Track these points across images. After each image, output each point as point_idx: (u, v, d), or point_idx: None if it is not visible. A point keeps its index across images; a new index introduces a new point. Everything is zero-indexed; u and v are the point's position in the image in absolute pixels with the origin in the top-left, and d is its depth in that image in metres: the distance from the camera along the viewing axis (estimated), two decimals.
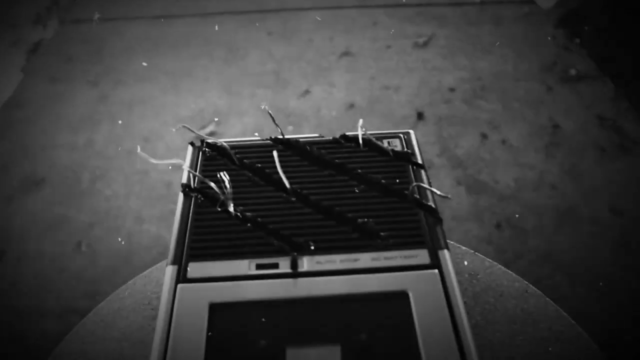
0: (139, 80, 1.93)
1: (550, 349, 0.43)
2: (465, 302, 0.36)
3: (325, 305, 0.36)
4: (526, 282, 0.48)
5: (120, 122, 1.72)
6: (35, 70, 1.98)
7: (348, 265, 0.38)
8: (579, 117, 1.75)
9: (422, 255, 0.39)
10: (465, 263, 0.49)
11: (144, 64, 1.89)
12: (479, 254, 0.51)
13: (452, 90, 1.87)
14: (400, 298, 0.36)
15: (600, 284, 1.23)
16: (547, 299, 0.47)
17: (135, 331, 0.46)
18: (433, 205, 0.43)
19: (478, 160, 1.62)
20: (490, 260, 0.50)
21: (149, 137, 1.73)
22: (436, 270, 0.38)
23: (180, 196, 0.44)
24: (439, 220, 0.42)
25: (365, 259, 0.39)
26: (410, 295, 0.36)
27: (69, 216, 1.50)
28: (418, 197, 0.43)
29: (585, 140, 1.67)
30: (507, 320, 0.45)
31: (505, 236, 1.41)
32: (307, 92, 1.81)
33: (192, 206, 0.43)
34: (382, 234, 0.40)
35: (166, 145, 1.70)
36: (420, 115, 1.72)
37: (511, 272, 0.49)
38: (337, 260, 0.39)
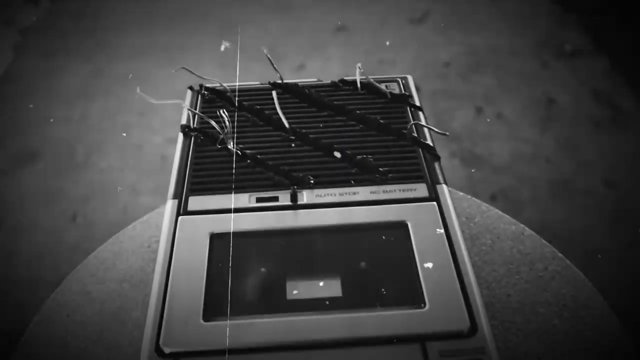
0: (134, 55, 1.91)
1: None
2: None
3: (325, 235, 0.37)
4: (522, 225, 0.49)
5: (115, 96, 1.71)
6: (28, 46, 1.97)
7: (347, 198, 0.39)
8: (573, 91, 1.75)
9: (420, 189, 0.39)
10: (466, 206, 0.50)
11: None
12: (475, 199, 0.51)
13: (447, 64, 1.87)
14: (399, 228, 0.37)
15: (599, 256, 1.23)
16: (544, 241, 0.48)
17: (136, 272, 0.46)
18: (431, 144, 0.43)
19: (473, 133, 1.62)
20: (487, 205, 0.50)
21: (144, 111, 1.72)
22: (434, 203, 0.38)
23: (180, 136, 0.44)
24: (437, 157, 0.42)
25: (364, 193, 0.39)
26: (409, 225, 0.37)
27: (64, 189, 1.50)
28: (416, 135, 0.43)
29: (580, 115, 1.68)
30: (504, 260, 0.46)
31: (499, 207, 1.42)
32: (301, 66, 1.80)
33: (191, 145, 0.43)
34: (380, 169, 0.40)
35: (161, 119, 1.69)
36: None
37: (508, 216, 0.49)
38: (336, 194, 0.39)
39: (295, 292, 0.34)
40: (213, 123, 0.43)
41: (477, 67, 1.86)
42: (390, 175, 0.40)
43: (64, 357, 0.41)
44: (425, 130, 0.44)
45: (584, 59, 1.88)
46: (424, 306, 0.33)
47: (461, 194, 0.51)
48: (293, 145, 0.42)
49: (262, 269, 0.35)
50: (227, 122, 0.42)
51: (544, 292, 0.44)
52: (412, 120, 0.45)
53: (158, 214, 0.50)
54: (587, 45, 1.93)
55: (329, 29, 2.00)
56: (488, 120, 1.49)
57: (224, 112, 0.42)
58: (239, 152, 0.42)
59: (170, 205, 0.39)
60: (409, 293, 0.33)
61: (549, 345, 0.41)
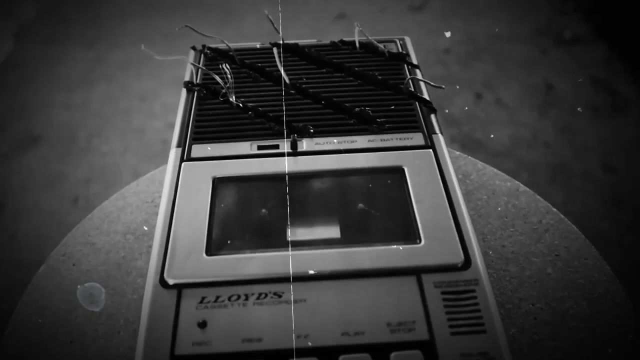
0: (135, 41, 1.92)
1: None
2: None
3: (324, 180, 0.38)
4: (517, 182, 0.50)
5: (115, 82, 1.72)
6: (30, 33, 1.98)
7: (346, 145, 0.40)
8: (572, 78, 1.76)
9: (416, 138, 0.40)
10: (464, 164, 0.51)
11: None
12: (471, 158, 0.52)
13: (446, 51, 1.87)
14: (396, 172, 0.38)
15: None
16: (538, 196, 0.49)
17: (139, 226, 0.47)
18: (427, 98, 0.44)
19: (472, 118, 1.63)
20: (482, 163, 0.51)
21: (145, 96, 1.73)
22: (430, 150, 0.39)
23: (183, 91, 0.46)
24: (433, 110, 0.43)
25: (362, 141, 0.40)
26: (406, 170, 0.38)
27: (66, 172, 1.51)
28: (413, 90, 0.44)
29: (579, 100, 1.68)
30: (499, 214, 0.47)
31: None
32: None
33: (194, 99, 0.44)
34: (378, 120, 0.42)
35: (162, 104, 1.70)
36: None
37: (503, 174, 0.50)
38: (335, 142, 0.40)
39: (294, 232, 0.35)
40: (215, 76, 0.44)
41: (477, 54, 1.86)
42: (387, 125, 0.41)
43: (70, 303, 0.42)
44: (422, 85, 0.45)
45: (583, 46, 1.88)
46: (420, 242, 0.34)
47: (457, 153, 0.52)
48: (293, 93, 0.43)
49: (263, 210, 0.36)
50: (229, 76, 0.43)
51: (538, 243, 0.45)
52: (408, 76, 0.46)
53: (161, 171, 0.51)
54: (586, 32, 1.94)
55: (329, 17, 2.01)
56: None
57: (226, 66, 0.43)
58: (240, 104, 0.43)
59: (174, 152, 0.40)
60: (406, 230, 0.34)
61: (542, 292, 0.42)
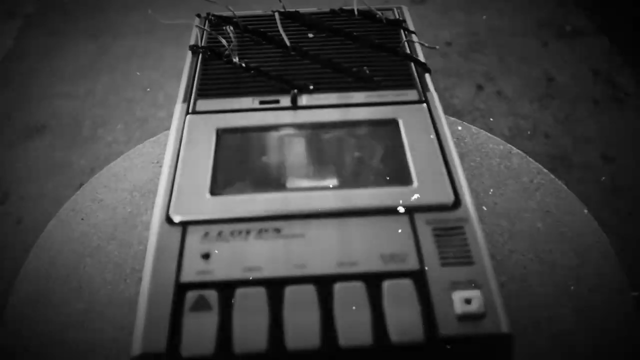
0: (138, 32, 1.94)
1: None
2: None
3: (322, 131, 0.40)
4: (510, 145, 0.51)
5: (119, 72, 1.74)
6: (34, 25, 2.00)
7: (343, 100, 0.42)
8: (573, 70, 1.77)
9: (411, 94, 0.42)
10: (459, 128, 0.53)
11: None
12: (466, 123, 0.54)
13: (448, 44, 1.89)
14: (391, 124, 0.40)
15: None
16: (530, 158, 0.50)
17: (145, 184, 0.49)
18: (423, 60, 0.46)
19: (473, 109, 1.64)
20: (476, 128, 0.53)
21: (149, 86, 1.74)
22: (424, 105, 0.41)
23: (189, 54, 0.47)
24: (428, 70, 0.45)
25: (359, 97, 0.42)
26: (400, 121, 0.40)
27: (70, 161, 1.53)
28: (409, 52, 0.46)
29: (579, 93, 1.70)
30: (492, 174, 0.49)
31: None
32: None
33: (199, 60, 0.46)
34: (375, 78, 0.43)
35: (165, 94, 1.72)
36: None
37: (496, 137, 0.52)
38: (333, 98, 0.42)
39: (293, 177, 0.37)
40: (220, 38, 0.46)
41: (478, 47, 1.88)
42: (383, 83, 0.43)
43: (80, 254, 0.44)
44: (418, 49, 0.47)
45: (584, 40, 1.90)
46: (413, 184, 0.35)
47: (452, 119, 0.54)
48: (293, 54, 0.45)
49: (264, 158, 0.38)
50: (232, 38, 0.45)
51: (529, 201, 0.47)
52: (404, 40, 0.48)
53: (166, 135, 0.53)
54: (587, 26, 1.95)
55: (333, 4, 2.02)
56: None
57: (230, 28, 0.45)
58: (243, 64, 0.45)
59: (179, 106, 0.42)
60: (399, 175, 0.36)
61: (532, 244, 0.44)
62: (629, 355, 0.37)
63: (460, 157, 0.48)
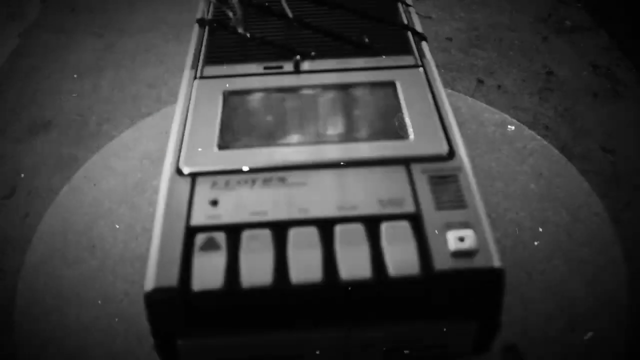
0: (142, 30, 1.96)
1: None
2: None
3: (324, 92, 0.42)
4: (506, 115, 0.53)
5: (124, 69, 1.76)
6: (40, 23, 2.02)
7: (344, 65, 0.44)
8: (573, 65, 1.79)
9: (408, 60, 0.44)
10: (455, 100, 0.54)
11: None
12: (461, 94, 0.56)
13: (448, 39, 1.91)
14: (389, 86, 0.42)
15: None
16: (524, 126, 0.52)
17: (154, 152, 0.51)
18: (420, 30, 0.48)
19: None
20: (472, 98, 0.55)
21: (153, 83, 1.77)
22: (421, 68, 0.43)
23: (196, 26, 0.50)
24: (425, 39, 0.47)
25: (359, 62, 0.44)
26: (398, 83, 0.42)
27: (76, 155, 1.55)
28: (406, 22, 0.48)
29: (579, 86, 1.71)
30: (487, 141, 0.51)
31: None
32: None
33: (206, 31, 0.48)
34: (374, 45, 0.46)
35: (169, 90, 1.74)
36: None
37: (492, 108, 0.54)
38: (334, 63, 0.44)
39: (297, 132, 0.39)
40: (226, 10, 0.48)
41: (478, 42, 1.90)
42: (382, 50, 0.45)
43: (92, 216, 0.46)
44: (415, 19, 0.49)
45: (584, 35, 1.92)
46: (409, 138, 0.37)
47: (449, 90, 0.56)
48: (296, 25, 0.47)
49: (269, 117, 0.40)
50: (238, 10, 0.47)
51: (523, 164, 0.49)
52: (402, 12, 0.50)
53: (173, 107, 0.55)
54: (586, 21, 1.97)
55: None
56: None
57: (235, 1, 0.47)
58: (248, 34, 0.47)
59: (187, 73, 0.44)
60: (396, 129, 0.38)
61: (526, 203, 0.46)
62: (617, 300, 0.39)
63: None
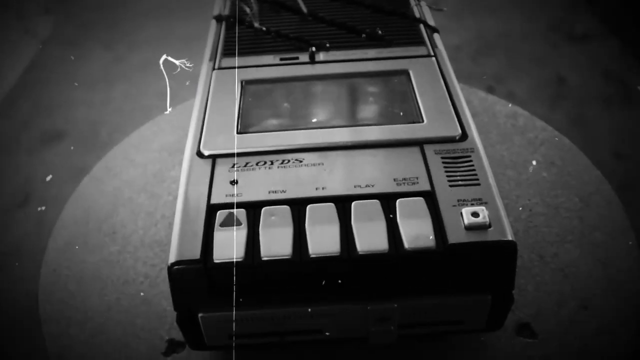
0: (153, 43, 1.99)
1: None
2: None
3: (339, 81, 0.43)
4: (517, 107, 0.54)
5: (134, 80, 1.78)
6: (53, 38, 2.05)
7: (358, 56, 0.45)
8: (584, 71, 1.79)
9: (421, 50, 0.46)
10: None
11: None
12: (474, 88, 0.57)
13: (458, 48, 1.91)
14: (402, 74, 0.43)
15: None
16: (535, 117, 0.53)
17: (173, 144, 0.52)
18: (432, 23, 0.49)
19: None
20: (484, 92, 0.56)
21: (164, 94, 1.78)
22: (433, 58, 0.44)
23: (213, 22, 0.51)
24: (436, 30, 0.48)
25: (372, 53, 0.45)
26: (411, 72, 0.43)
27: (88, 165, 1.55)
28: (419, 16, 0.50)
29: (591, 93, 1.71)
30: (499, 131, 0.51)
31: None
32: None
33: (223, 27, 0.50)
34: (387, 37, 0.47)
35: (180, 101, 1.76)
36: None
37: (504, 101, 0.55)
38: (349, 54, 0.45)
39: (313, 117, 0.40)
40: (242, 5, 0.49)
41: (488, 50, 1.90)
42: (395, 41, 0.46)
43: (113, 205, 0.48)
44: (426, 12, 0.50)
45: (595, 42, 1.92)
46: (423, 122, 0.39)
47: (460, 84, 0.57)
48: (310, 19, 0.49)
49: (285, 104, 0.41)
50: (253, 5, 0.49)
51: (534, 154, 0.49)
52: (414, 5, 0.51)
53: (191, 103, 0.56)
54: (598, 29, 1.97)
55: None
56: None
57: None
58: (264, 28, 0.48)
59: (206, 65, 0.45)
60: (410, 114, 0.39)
61: (538, 190, 0.46)
62: (628, 283, 0.39)
63: None
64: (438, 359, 0.36)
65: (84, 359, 0.37)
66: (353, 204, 0.33)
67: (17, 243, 1.32)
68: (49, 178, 1.46)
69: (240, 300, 0.32)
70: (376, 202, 0.33)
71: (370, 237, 0.32)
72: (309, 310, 0.33)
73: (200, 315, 0.33)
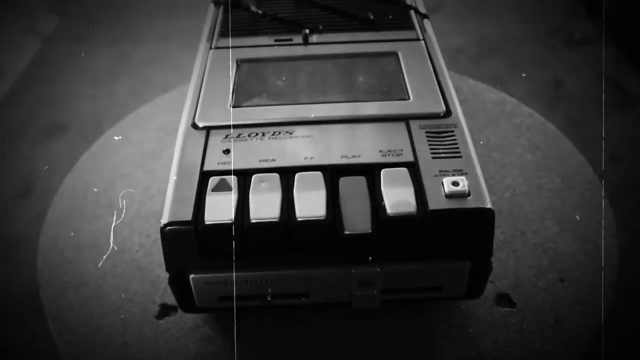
0: (157, 39, 2.00)
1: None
2: None
3: (330, 62, 0.45)
4: (505, 94, 0.56)
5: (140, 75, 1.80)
6: (57, 34, 2.07)
7: (350, 38, 0.47)
8: (582, 75, 1.81)
9: (411, 34, 0.47)
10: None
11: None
12: (463, 75, 0.58)
13: (459, 51, 1.93)
14: (391, 55, 0.45)
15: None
16: (523, 104, 0.55)
17: (170, 125, 0.54)
18: (424, 11, 0.51)
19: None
20: (474, 80, 0.58)
21: (167, 88, 1.80)
22: (422, 41, 0.46)
23: (211, 6, 0.53)
24: (426, 16, 0.50)
25: (364, 36, 0.47)
26: (400, 54, 0.45)
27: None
28: (410, 2, 0.51)
29: (588, 97, 1.73)
30: (486, 117, 0.53)
31: None
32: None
33: (220, 10, 0.52)
34: (378, 22, 0.49)
35: (184, 96, 1.77)
36: None
37: (493, 88, 0.57)
38: (341, 37, 0.47)
39: (305, 94, 0.42)
40: None
41: (489, 53, 1.92)
42: (386, 25, 0.48)
43: (111, 180, 0.49)
44: (418, 1, 0.52)
45: (593, 47, 1.93)
46: (409, 99, 0.40)
47: (451, 72, 0.58)
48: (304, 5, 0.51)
49: (279, 82, 0.43)
50: None
51: (520, 138, 0.51)
52: None
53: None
54: (596, 34, 1.99)
55: None
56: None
57: None
58: (260, 12, 0.50)
59: (203, 45, 0.47)
60: (397, 91, 0.41)
61: (522, 171, 0.48)
62: (604, 259, 0.41)
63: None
64: (420, 327, 0.38)
65: (79, 319, 0.39)
66: (340, 180, 0.35)
67: (19, 233, 1.34)
68: (46, 167, 1.48)
69: (230, 261, 0.33)
70: (362, 179, 0.35)
71: (355, 211, 0.33)
72: (295, 273, 0.34)
73: (191, 276, 0.34)
